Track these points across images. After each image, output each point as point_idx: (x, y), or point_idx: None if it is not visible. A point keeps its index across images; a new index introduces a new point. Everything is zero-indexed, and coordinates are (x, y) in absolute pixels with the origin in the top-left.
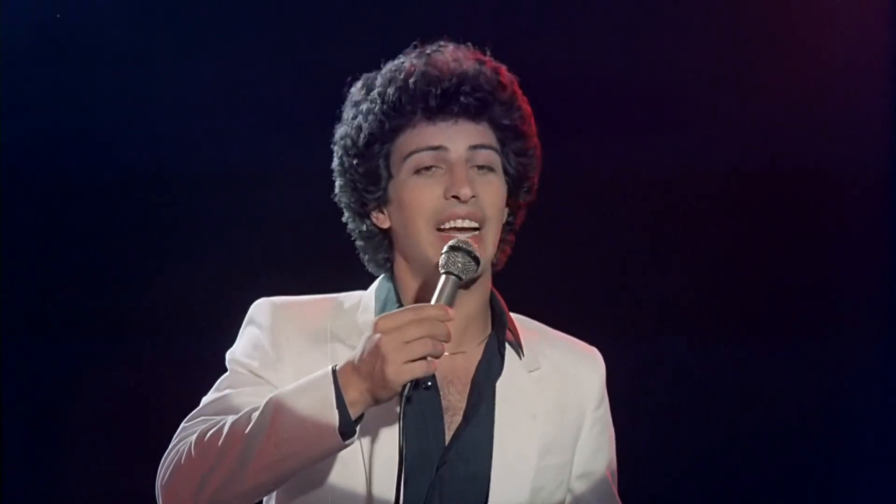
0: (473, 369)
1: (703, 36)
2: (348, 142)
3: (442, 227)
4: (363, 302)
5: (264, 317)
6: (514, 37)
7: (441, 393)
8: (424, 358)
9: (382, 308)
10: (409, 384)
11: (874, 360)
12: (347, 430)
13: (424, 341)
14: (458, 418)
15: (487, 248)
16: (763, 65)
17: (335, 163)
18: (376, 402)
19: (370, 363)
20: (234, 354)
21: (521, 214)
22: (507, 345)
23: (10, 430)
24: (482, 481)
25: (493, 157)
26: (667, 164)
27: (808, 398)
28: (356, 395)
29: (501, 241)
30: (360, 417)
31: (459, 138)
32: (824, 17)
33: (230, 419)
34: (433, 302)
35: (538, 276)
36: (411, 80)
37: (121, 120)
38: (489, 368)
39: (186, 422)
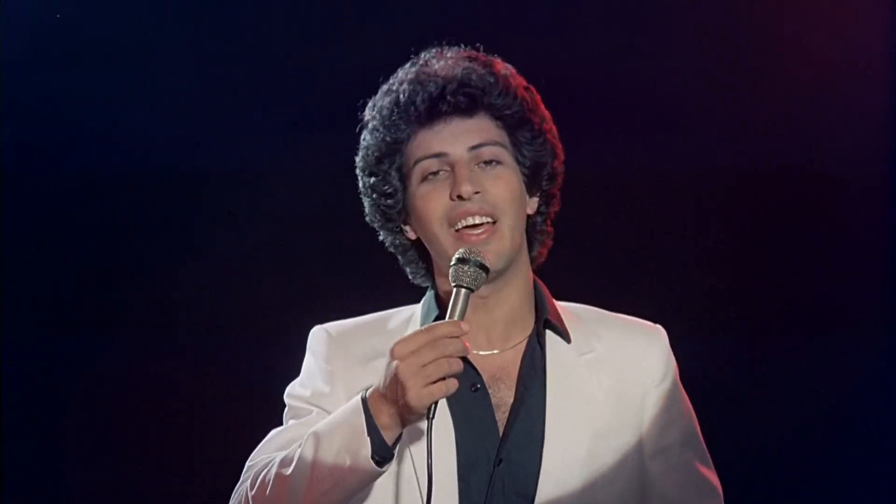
0: (519, 363)
1: (704, 36)
2: (363, 162)
3: (456, 226)
4: (414, 314)
5: (317, 345)
6: (518, 37)
7: (490, 391)
8: (444, 378)
9: (425, 317)
10: (433, 405)
11: (874, 360)
12: (384, 454)
13: (439, 363)
14: (508, 414)
15: (505, 239)
16: (763, 64)
17: (360, 184)
18: (405, 424)
19: (392, 390)
20: (293, 387)
21: (555, 202)
22: (551, 332)
23: (10, 430)
24: (534, 469)
25: (497, 152)
26: (666, 165)
27: (806, 397)
28: (387, 420)
29: (537, 232)
30: (398, 439)
31: (458, 140)
32: (824, 17)
33: (278, 458)
34: (447, 317)
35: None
36: (402, 90)
37: (121, 120)
38: (533, 360)
39: (250, 461)
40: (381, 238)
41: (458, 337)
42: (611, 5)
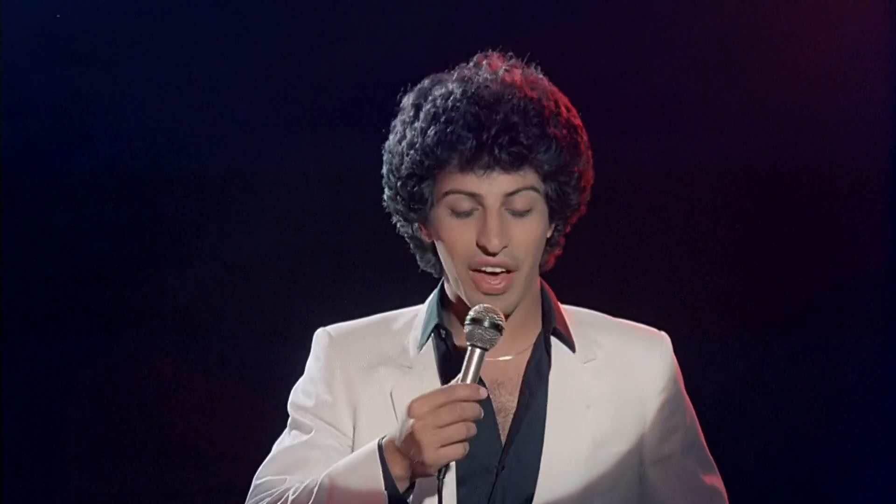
0: (523, 369)
1: (702, 36)
2: (394, 162)
3: (475, 268)
4: (417, 317)
5: (320, 349)
6: (516, 36)
7: (492, 396)
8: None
9: (427, 322)
10: (445, 465)
11: (877, 362)
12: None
13: (458, 427)
14: (510, 419)
15: (518, 290)
16: (764, 65)
17: (383, 169)
18: (415, 478)
19: (407, 446)
20: (296, 395)
21: (573, 220)
22: (556, 340)
23: (10, 430)
24: (533, 476)
25: (531, 199)
26: (665, 165)
27: (808, 399)
28: (400, 472)
29: (551, 245)
30: (411, 488)
31: (495, 185)
32: (825, 17)
33: (291, 495)
34: (461, 376)
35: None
36: (450, 128)
37: (121, 120)
38: (538, 367)
39: (256, 479)
40: (392, 221)
41: (475, 401)
42: (611, 4)
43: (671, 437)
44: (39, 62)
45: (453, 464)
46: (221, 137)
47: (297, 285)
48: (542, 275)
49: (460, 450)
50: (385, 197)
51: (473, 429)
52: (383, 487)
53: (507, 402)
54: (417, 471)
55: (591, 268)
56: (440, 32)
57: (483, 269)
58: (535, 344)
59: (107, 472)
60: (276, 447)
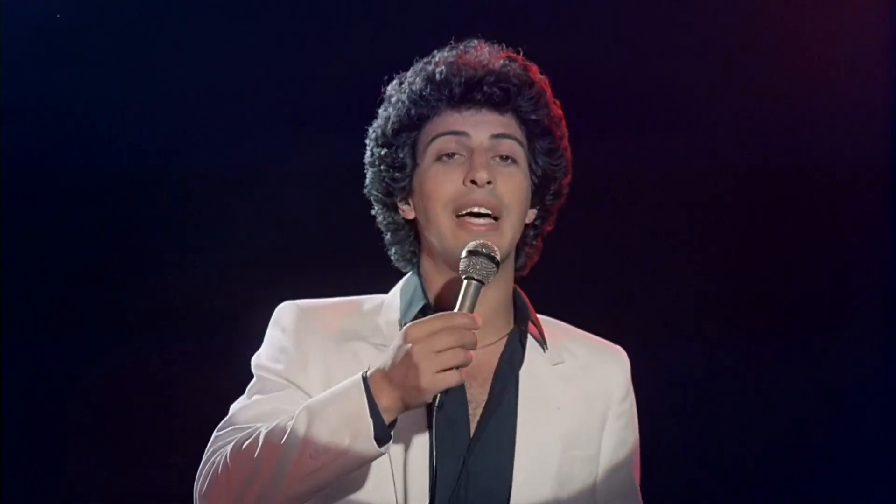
0: (496, 362)
1: (704, 35)
2: (378, 132)
3: (460, 213)
4: (385, 303)
5: (288, 319)
6: (518, 36)
7: (464, 386)
8: (456, 368)
9: (408, 305)
10: (440, 393)
11: (876, 359)
12: (382, 436)
13: (455, 351)
14: (481, 411)
15: (505, 237)
16: (762, 65)
17: (366, 156)
18: (407, 408)
19: (402, 372)
20: (260, 359)
21: (551, 221)
22: (529, 338)
23: (11, 430)
24: (506, 472)
25: (516, 148)
26: (666, 164)
27: (808, 397)
28: (388, 402)
29: (527, 245)
30: (394, 423)
31: (482, 126)
32: (825, 17)
33: (264, 429)
34: (457, 308)
35: (538, 277)
36: (438, 71)
37: (121, 120)
38: (511, 360)
39: (218, 430)
40: (372, 212)
41: (472, 330)
42: (610, 4)
43: (622, 448)
44: (39, 62)
45: (426, 449)
46: (221, 137)
47: (297, 285)
48: (528, 281)
49: (456, 376)
50: (367, 182)
51: (470, 356)
52: (369, 416)
53: (478, 393)
54: (410, 398)
55: (590, 267)
56: (440, 32)
57: (469, 210)
58: (509, 337)
59: (107, 472)
60: (234, 405)
